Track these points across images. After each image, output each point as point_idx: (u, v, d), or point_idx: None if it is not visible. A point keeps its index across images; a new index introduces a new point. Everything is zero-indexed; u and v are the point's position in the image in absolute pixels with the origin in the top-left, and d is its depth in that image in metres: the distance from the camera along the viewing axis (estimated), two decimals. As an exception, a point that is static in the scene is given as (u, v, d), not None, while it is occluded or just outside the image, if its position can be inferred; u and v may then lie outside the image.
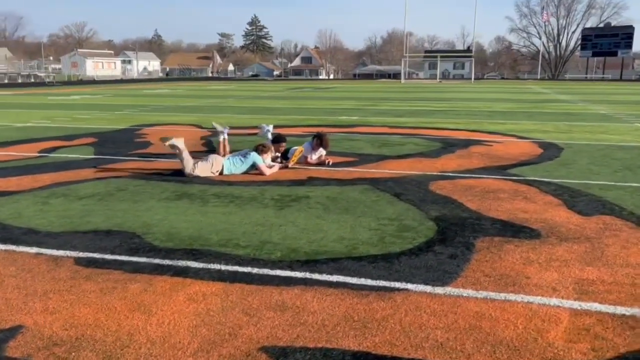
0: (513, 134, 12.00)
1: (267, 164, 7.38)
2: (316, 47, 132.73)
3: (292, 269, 3.81)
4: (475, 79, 72.18)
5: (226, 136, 8.23)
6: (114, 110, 18.61)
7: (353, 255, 4.10)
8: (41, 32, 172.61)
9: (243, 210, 5.42)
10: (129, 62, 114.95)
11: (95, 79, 66.94)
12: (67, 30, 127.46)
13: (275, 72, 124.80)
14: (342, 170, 7.65)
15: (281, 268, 3.83)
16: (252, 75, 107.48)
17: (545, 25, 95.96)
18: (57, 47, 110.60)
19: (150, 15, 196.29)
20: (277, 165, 7.58)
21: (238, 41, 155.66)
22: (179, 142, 7.03)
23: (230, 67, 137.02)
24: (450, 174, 7.35)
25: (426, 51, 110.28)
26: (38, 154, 9.01)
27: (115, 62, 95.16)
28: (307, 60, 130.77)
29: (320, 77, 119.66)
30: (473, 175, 7.25)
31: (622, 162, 8.26)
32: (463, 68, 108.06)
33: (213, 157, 7.32)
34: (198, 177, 7.03)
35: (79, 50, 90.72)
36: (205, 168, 7.14)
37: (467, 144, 10.39)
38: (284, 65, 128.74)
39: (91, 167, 7.85)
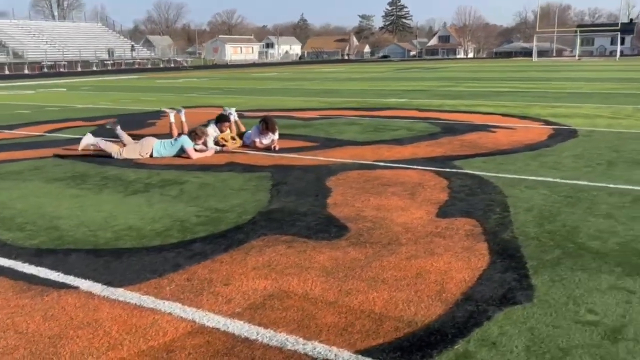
0: (547, 119, 10.52)
1: (196, 147, 7.29)
2: (453, 25, 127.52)
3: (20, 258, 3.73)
4: (632, 54, 63.92)
5: (183, 118, 8.28)
6: (190, 93, 19.63)
7: (102, 246, 3.92)
8: (201, 20, 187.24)
9: (97, 195, 5.44)
10: (271, 46, 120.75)
11: (228, 63, 71.13)
12: (218, 17, 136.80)
13: (412, 53, 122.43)
14: (279, 156, 7.31)
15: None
16: (383, 57, 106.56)
17: None
18: (212, 33, 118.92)
19: (298, 1, 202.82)
20: (211, 150, 7.46)
21: (379, 22, 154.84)
22: (87, 140, 7.26)
23: (367, 49, 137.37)
24: (382, 164, 6.66)
25: (578, 25, 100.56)
26: (41, 134, 9.82)
27: (252, 47, 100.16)
28: (444, 39, 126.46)
29: (459, 56, 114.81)
30: (405, 166, 6.49)
31: (617, 155, 6.86)
32: (623, 44, 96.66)
33: (144, 140, 7.42)
34: (126, 159, 7.17)
35: (219, 36, 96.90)
36: (134, 150, 7.27)
37: (469, 129, 9.35)
38: (423, 45, 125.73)
39: (59, 146, 8.34)
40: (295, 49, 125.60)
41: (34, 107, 15.04)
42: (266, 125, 7.74)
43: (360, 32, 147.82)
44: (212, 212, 4.74)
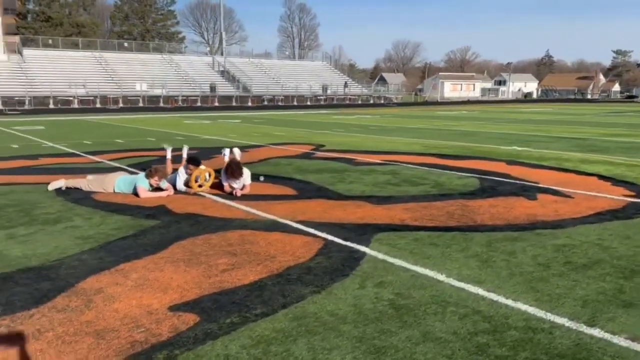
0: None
1: (146, 187, 7.15)
2: None
3: None
4: None
5: (169, 156, 8.29)
6: (320, 129, 19.73)
7: None
8: (435, 58, 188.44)
9: (-20, 225, 5.65)
10: (503, 83, 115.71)
11: (439, 100, 70.17)
12: (451, 55, 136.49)
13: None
14: (224, 203, 6.75)
15: None
16: (628, 96, 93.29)
17: None
18: (447, 70, 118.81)
19: (542, 36, 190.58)
20: (165, 192, 7.23)
21: (637, 57, 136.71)
22: (57, 185, 7.55)
23: (616, 88, 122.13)
24: (297, 225, 5.64)
25: None
26: (99, 160, 10.77)
27: (474, 84, 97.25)
28: None
29: None
30: (312, 231, 5.39)
31: None
32: None
33: (110, 174, 7.57)
34: (94, 192, 7.39)
35: (439, 73, 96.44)
36: (97, 184, 7.46)
37: (515, 192, 7.41)
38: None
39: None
40: (530, 86, 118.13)
41: (165, 135, 16.70)
42: (227, 169, 7.23)
43: (614, 69, 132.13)
44: (30, 252, 4.50)
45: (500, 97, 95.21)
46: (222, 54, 61.84)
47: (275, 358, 2.86)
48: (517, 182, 8.18)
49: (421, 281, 4.00)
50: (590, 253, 4.67)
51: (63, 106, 43.18)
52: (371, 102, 63.61)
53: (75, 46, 56.04)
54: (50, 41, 55.36)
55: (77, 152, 12.26)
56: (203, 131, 18.65)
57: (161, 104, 47.95)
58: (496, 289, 3.83)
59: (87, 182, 7.49)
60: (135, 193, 7.16)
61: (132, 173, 8.07)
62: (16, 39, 53.51)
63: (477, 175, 8.75)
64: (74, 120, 26.72)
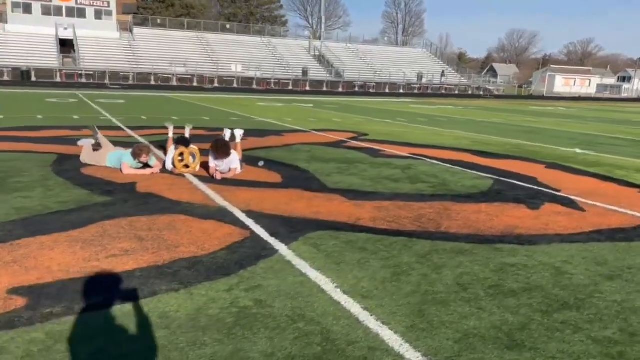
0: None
1: (130, 164, 7.16)
2: None
3: None
4: None
5: (170, 134, 8.27)
6: (376, 117, 19.07)
7: None
8: (553, 49, 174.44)
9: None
10: (627, 79, 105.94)
11: (544, 95, 65.73)
12: (571, 47, 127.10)
13: None
14: (194, 186, 6.60)
15: None
16: None
17: None
18: (567, 63, 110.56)
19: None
20: (150, 169, 7.20)
21: None
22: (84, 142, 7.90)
23: None
24: (238, 214, 5.36)
25: None
26: (129, 135, 11.06)
27: (589, 79, 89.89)
28: None
29: None
30: (244, 220, 5.09)
31: None
32: None
33: (104, 149, 7.67)
34: (86, 164, 7.58)
35: (551, 66, 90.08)
36: (92, 158, 7.61)
37: (531, 196, 6.61)
38: None
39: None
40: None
41: (222, 114, 16.92)
42: (214, 148, 7.03)
43: None
44: None
45: (622, 95, 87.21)
46: (322, 38, 62.06)
47: (51, 357, 2.61)
48: (535, 188, 7.26)
49: (302, 289, 3.56)
50: (535, 277, 3.94)
51: (163, 83, 45.61)
52: (469, 93, 60.99)
53: (181, 26, 58.78)
54: (159, 21, 58.58)
55: (121, 126, 12.71)
56: (262, 114, 18.71)
57: (254, 86, 49.15)
58: (375, 308, 3.30)
59: (83, 155, 7.65)
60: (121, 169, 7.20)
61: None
62: (129, 18, 57.20)
63: (496, 177, 7.90)
64: (157, 97, 28.05)
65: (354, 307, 3.31)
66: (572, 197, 6.69)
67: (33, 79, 40.84)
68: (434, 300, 3.47)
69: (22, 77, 40.36)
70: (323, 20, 65.16)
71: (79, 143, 8.16)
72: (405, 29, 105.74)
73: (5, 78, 40.71)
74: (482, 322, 3.19)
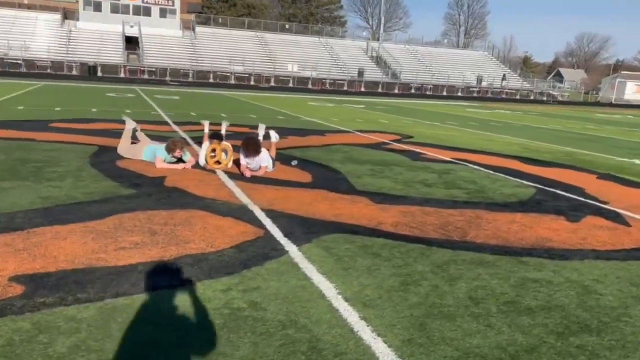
0: None
1: (163, 157, 7.23)
2: None
3: None
4: None
5: (206, 130, 8.32)
6: (425, 120, 18.63)
7: None
8: (627, 55, 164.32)
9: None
10: None
11: (613, 102, 62.56)
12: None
13: None
14: (224, 184, 6.59)
15: None
16: None
17: None
18: (636, 69, 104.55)
19: None
20: (183, 164, 7.25)
21: None
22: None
23: None
24: (259, 212, 5.30)
25: None
26: (174, 131, 11.22)
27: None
28: None
29: None
30: (259, 219, 5.01)
31: None
32: None
33: (141, 144, 7.78)
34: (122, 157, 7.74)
35: (621, 72, 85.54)
36: (128, 151, 7.76)
37: (574, 208, 6.23)
38: None
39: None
40: None
41: (270, 112, 16.99)
42: (244, 145, 7.00)
43: None
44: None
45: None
46: (380, 39, 61.60)
47: (31, 347, 2.59)
48: (580, 199, 6.81)
49: (302, 294, 3.42)
50: (557, 295, 3.63)
51: (221, 81, 46.53)
52: (531, 98, 58.95)
53: (242, 25, 59.78)
54: (220, 20, 59.85)
55: (168, 121, 12.96)
56: (310, 113, 18.68)
57: (309, 86, 49.34)
58: (373, 318, 3.12)
59: (120, 147, 7.81)
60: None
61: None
62: (192, 16, 58.74)
63: (540, 186, 7.47)
64: (212, 94, 28.58)
65: (351, 316, 3.14)
66: (619, 211, 6.22)
67: (99, 74, 42.62)
68: (439, 314, 3.24)
69: (89, 72, 42.21)
70: (382, 21, 64.69)
71: (124, 117, 8.34)
72: (467, 30, 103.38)
73: (74, 72, 42.69)
74: (487, 340, 2.95)
